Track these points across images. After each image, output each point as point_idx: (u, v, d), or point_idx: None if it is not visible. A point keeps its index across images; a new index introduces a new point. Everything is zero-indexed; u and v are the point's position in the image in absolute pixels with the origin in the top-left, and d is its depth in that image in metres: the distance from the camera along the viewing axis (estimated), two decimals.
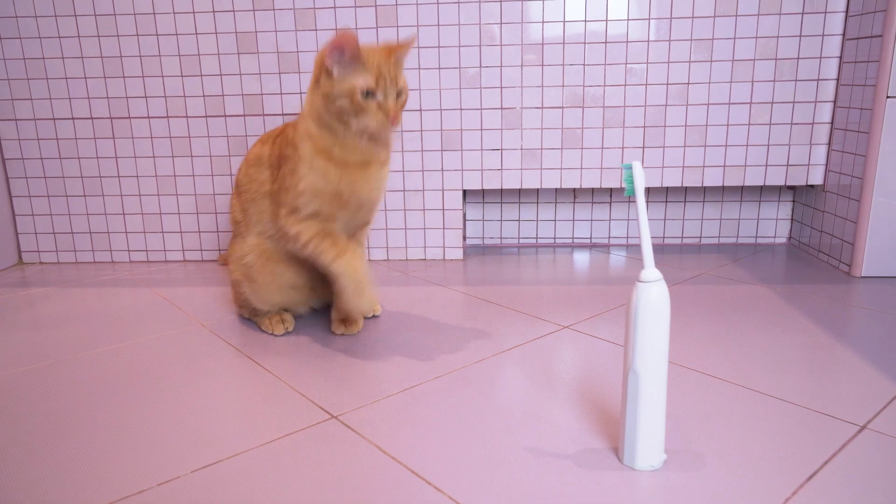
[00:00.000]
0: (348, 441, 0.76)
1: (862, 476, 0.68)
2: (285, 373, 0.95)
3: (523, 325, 1.11)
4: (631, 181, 0.66)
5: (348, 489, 0.67)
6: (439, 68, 1.44)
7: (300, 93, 1.46)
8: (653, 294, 0.65)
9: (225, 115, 1.48)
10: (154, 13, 1.43)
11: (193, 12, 1.43)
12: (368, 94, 0.91)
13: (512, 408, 0.83)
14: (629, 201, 1.62)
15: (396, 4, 1.41)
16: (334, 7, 1.42)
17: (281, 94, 1.46)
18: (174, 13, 1.43)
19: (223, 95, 1.47)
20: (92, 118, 1.50)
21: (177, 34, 1.44)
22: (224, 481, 0.69)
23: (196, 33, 1.44)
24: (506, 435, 0.77)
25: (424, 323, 1.14)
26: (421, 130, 1.47)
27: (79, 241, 1.58)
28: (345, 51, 0.90)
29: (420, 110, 1.46)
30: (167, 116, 1.49)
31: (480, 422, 0.80)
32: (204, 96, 1.47)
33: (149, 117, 1.49)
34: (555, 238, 1.65)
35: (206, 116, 1.48)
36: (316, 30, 1.43)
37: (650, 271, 0.66)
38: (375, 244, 1.53)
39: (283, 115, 1.47)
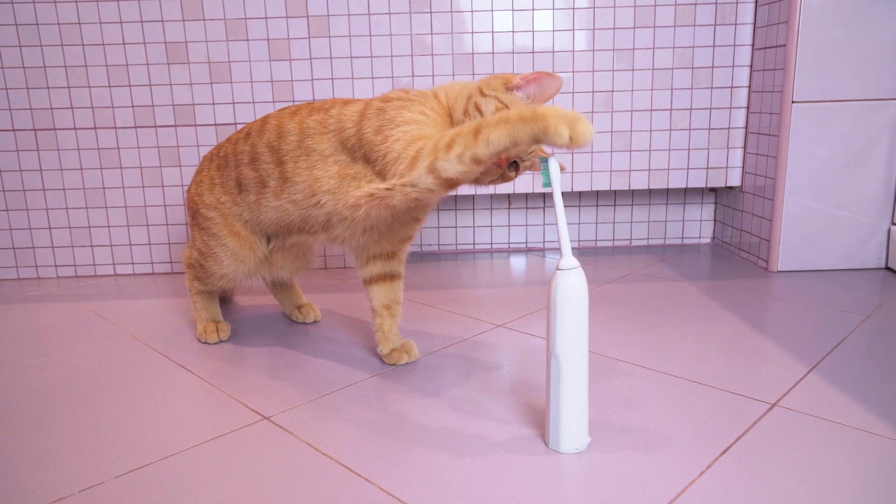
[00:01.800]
0: (280, 440, 0.76)
1: (771, 448, 0.72)
2: (217, 378, 0.94)
3: (459, 326, 1.13)
4: (547, 173, 0.69)
5: (278, 485, 0.67)
6: (372, 78, 1.46)
7: (233, 102, 1.45)
8: (570, 281, 0.68)
9: (155, 126, 1.46)
10: (80, 23, 1.40)
11: (121, 22, 1.41)
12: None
13: (445, 402, 0.85)
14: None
15: (328, 15, 1.43)
16: (266, 17, 1.42)
17: (213, 104, 1.45)
18: (101, 23, 1.41)
19: (153, 106, 1.45)
20: (14, 130, 1.45)
21: (104, 44, 1.42)
22: (149, 484, 0.68)
23: (124, 43, 1.42)
24: (439, 427, 0.78)
25: (361, 326, 1.14)
26: None
27: (2, 258, 1.52)
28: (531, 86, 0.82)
29: None
30: (94, 128, 1.46)
31: (414, 416, 0.81)
32: (133, 107, 1.45)
33: (75, 129, 1.46)
34: (492, 244, 1.69)
35: (135, 127, 1.46)
36: (248, 40, 1.43)
37: (568, 259, 0.69)
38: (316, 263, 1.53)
39: (215, 125, 1.46)
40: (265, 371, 0.96)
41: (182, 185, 1.49)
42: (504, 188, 1.52)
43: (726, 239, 1.63)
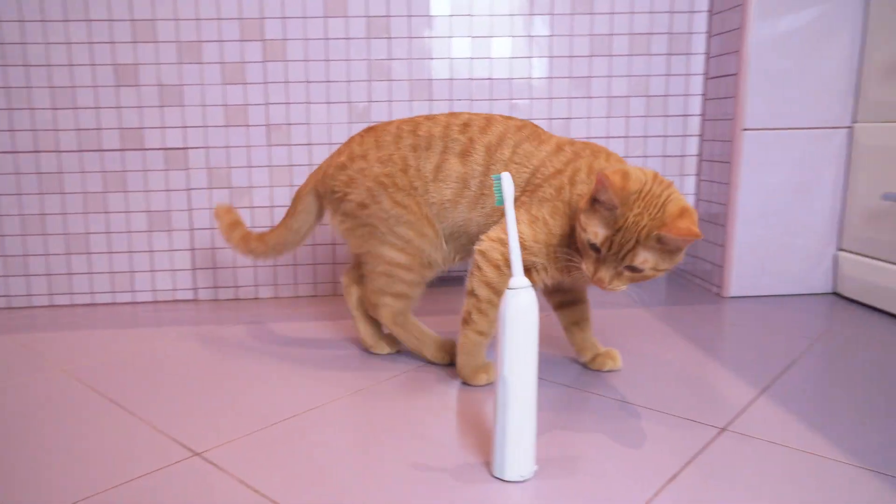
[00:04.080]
0: (211, 478, 0.72)
1: (719, 472, 0.70)
2: (149, 412, 0.89)
3: (407, 356, 1.10)
4: (500, 191, 0.68)
5: None
6: (328, 103, 1.44)
7: (184, 126, 1.42)
8: (521, 300, 0.67)
9: (101, 150, 1.42)
10: (24, 43, 1.37)
11: (68, 43, 1.37)
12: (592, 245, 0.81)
13: (393, 431, 0.81)
14: None
15: (285, 39, 1.41)
16: (220, 41, 1.40)
17: (163, 127, 1.42)
18: (46, 44, 1.37)
19: (99, 129, 1.41)
20: None
21: (48, 65, 1.38)
22: None
23: (70, 64, 1.38)
24: (381, 457, 0.75)
25: (305, 355, 1.10)
26: (310, 164, 1.46)
27: None
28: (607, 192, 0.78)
29: (309, 144, 1.45)
30: (35, 151, 1.41)
31: (352, 446, 0.78)
32: (78, 130, 1.41)
33: (14, 152, 1.40)
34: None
35: (79, 151, 1.41)
36: (201, 63, 1.40)
37: (518, 279, 0.68)
38: (264, 281, 1.49)
39: (164, 148, 1.42)
40: (197, 403, 0.92)
41: (127, 212, 1.44)
42: None
43: (680, 265, 1.63)
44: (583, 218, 0.81)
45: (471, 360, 0.94)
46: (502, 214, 0.92)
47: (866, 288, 1.31)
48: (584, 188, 0.87)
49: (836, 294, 1.40)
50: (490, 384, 0.95)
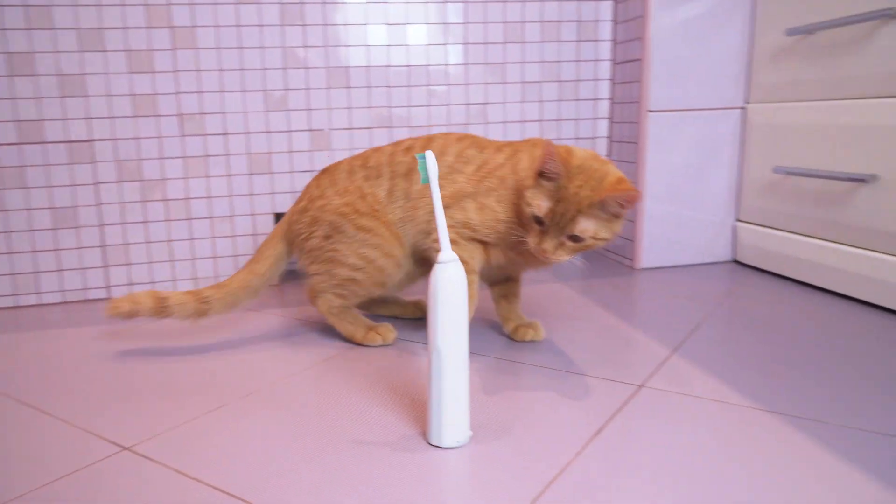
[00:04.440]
0: (144, 470, 0.70)
1: (641, 423, 0.75)
2: (67, 412, 0.85)
3: (343, 338, 1.10)
4: (424, 169, 0.70)
5: None
6: (243, 91, 1.42)
7: (87, 118, 1.35)
8: (450, 273, 0.69)
9: None
10: None
11: None
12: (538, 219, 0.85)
13: (329, 412, 0.82)
14: None
15: (194, 26, 1.37)
16: (125, 27, 1.34)
17: (64, 119, 1.35)
18: None
19: None
20: None
21: None
22: None
23: None
24: (318, 437, 0.75)
25: (235, 346, 1.09)
26: (227, 154, 1.43)
27: None
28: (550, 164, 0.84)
29: (225, 134, 1.42)
30: None
31: (289, 429, 0.78)
32: None
33: None
34: None
35: None
36: (105, 51, 1.34)
37: (446, 253, 0.70)
38: (182, 276, 1.45)
39: (67, 142, 1.35)
40: (123, 399, 0.89)
41: (28, 209, 1.36)
42: None
43: None
44: (528, 194, 0.86)
45: None
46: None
47: (762, 254, 1.42)
48: (526, 174, 0.92)
49: (735, 262, 1.51)
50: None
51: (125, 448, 0.75)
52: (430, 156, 0.71)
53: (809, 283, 1.30)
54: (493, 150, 1.00)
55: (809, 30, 1.24)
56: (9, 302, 1.39)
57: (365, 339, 1.06)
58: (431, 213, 0.97)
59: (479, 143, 1.02)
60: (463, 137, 1.03)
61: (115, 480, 0.68)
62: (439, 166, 0.98)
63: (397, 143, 1.06)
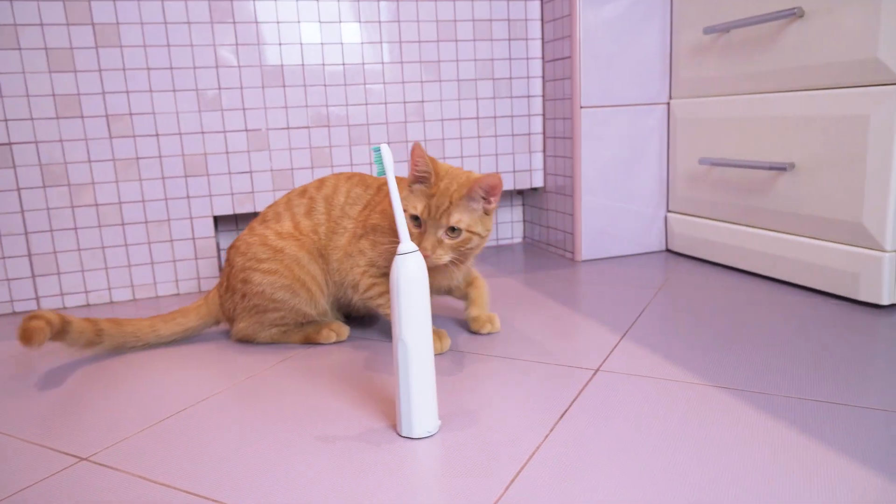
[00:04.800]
0: (105, 479, 0.67)
1: (601, 404, 0.79)
2: (15, 429, 0.80)
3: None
4: (380, 161, 0.70)
5: None
6: (174, 90, 1.37)
7: (5, 120, 1.27)
8: (410, 264, 0.70)
9: None
10: None
11: None
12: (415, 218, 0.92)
13: (292, 410, 0.81)
14: None
15: (118, 23, 1.31)
16: (41, 24, 1.27)
17: None
18: None
19: None
20: None
21: None
22: None
23: None
24: (287, 434, 0.74)
25: (188, 351, 1.05)
26: (160, 156, 1.38)
27: None
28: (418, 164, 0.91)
29: (157, 135, 1.37)
30: None
31: (257, 429, 0.76)
32: None
33: None
34: None
35: None
36: (20, 49, 1.26)
37: (406, 244, 0.70)
38: (117, 283, 1.39)
39: None
40: (74, 409, 0.85)
41: None
42: None
43: (535, 237, 1.76)
44: (403, 203, 0.91)
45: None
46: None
47: (692, 243, 1.50)
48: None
49: (668, 251, 1.59)
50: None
51: (83, 458, 0.72)
52: (385, 149, 0.71)
53: (736, 268, 1.39)
54: (374, 190, 1.07)
55: (724, 28, 1.32)
56: None
57: (319, 336, 1.05)
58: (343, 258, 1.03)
59: (365, 181, 1.09)
60: (351, 176, 1.11)
61: (77, 491, 0.64)
62: (332, 208, 1.06)
63: (292, 190, 1.12)
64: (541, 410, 0.78)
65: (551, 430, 0.73)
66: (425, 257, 0.89)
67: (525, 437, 0.72)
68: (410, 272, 0.70)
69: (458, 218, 0.90)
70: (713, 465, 0.65)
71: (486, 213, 0.93)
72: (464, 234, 0.91)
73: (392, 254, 0.95)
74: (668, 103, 1.54)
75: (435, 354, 0.89)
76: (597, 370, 0.89)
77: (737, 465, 0.65)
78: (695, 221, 1.48)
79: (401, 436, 0.73)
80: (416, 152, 0.90)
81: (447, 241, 0.91)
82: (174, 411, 0.83)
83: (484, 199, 0.92)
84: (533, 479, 0.64)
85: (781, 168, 1.22)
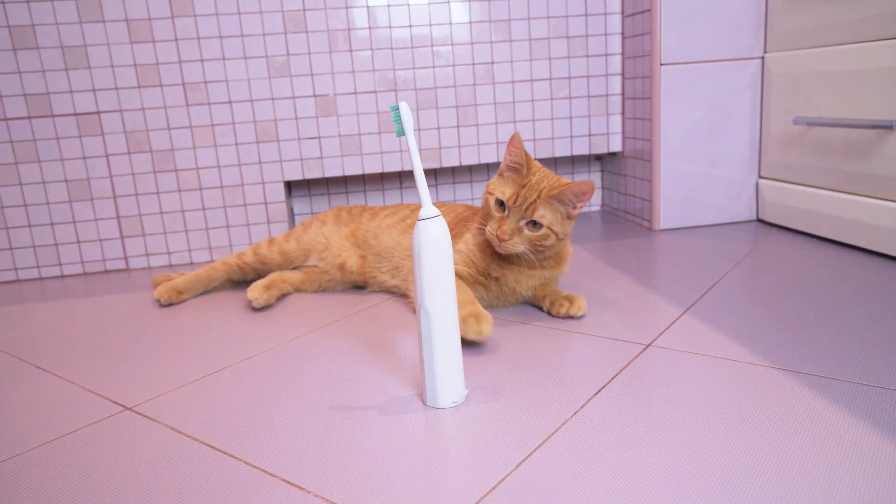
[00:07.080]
0: (144, 429, 0.71)
1: (643, 381, 0.73)
2: (76, 375, 0.86)
3: (341, 304, 1.10)
4: (399, 121, 0.67)
5: (144, 472, 0.62)
6: (245, 58, 1.40)
7: (93, 90, 1.35)
8: (432, 230, 0.67)
9: (6, 119, 1.34)
10: None
11: None
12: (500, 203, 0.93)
13: (322, 376, 0.82)
14: (454, 182, 1.66)
15: None
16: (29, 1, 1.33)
17: (71, 91, 1.35)
18: None
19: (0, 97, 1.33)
20: None
21: None
22: None
23: None
24: (315, 399, 0.75)
25: (235, 313, 1.09)
26: (233, 123, 1.42)
27: None
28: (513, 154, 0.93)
29: (230, 102, 1.41)
30: None
31: (288, 392, 0.77)
32: None
33: None
34: None
35: None
36: (104, 21, 1.33)
37: (428, 209, 0.68)
38: (196, 245, 1.46)
39: (76, 114, 1.35)
40: (125, 362, 0.90)
41: (43, 182, 1.37)
42: (391, 164, 1.50)
43: (613, 204, 1.67)
44: (491, 186, 0.95)
45: None
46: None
47: (786, 212, 1.37)
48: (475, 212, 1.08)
49: (759, 220, 1.46)
50: None
51: (127, 408, 0.76)
52: (404, 107, 0.68)
53: (834, 240, 1.25)
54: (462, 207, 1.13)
55: None
56: (34, 274, 1.41)
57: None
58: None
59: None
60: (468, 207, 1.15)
61: (114, 438, 0.68)
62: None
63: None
64: (577, 384, 0.74)
65: (583, 406, 0.69)
66: (501, 241, 0.91)
67: (555, 412, 0.68)
68: (432, 237, 0.67)
69: (543, 213, 0.91)
70: (742, 458, 0.58)
71: (569, 216, 0.94)
72: (543, 230, 0.91)
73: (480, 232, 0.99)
74: (763, 57, 1.39)
75: (473, 339, 0.83)
76: (648, 345, 0.83)
77: (769, 458, 0.58)
78: (789, 188, 1.35)
79: (427, 405, 0.71)
80: (514, 143, 0.92)
81: (526, 231, 0.91)
82: (212, 370, 0.85)
83: (571, 204, 0.92)
84: (553, 455, 0.60)
85: (887, 126, 1.07)
